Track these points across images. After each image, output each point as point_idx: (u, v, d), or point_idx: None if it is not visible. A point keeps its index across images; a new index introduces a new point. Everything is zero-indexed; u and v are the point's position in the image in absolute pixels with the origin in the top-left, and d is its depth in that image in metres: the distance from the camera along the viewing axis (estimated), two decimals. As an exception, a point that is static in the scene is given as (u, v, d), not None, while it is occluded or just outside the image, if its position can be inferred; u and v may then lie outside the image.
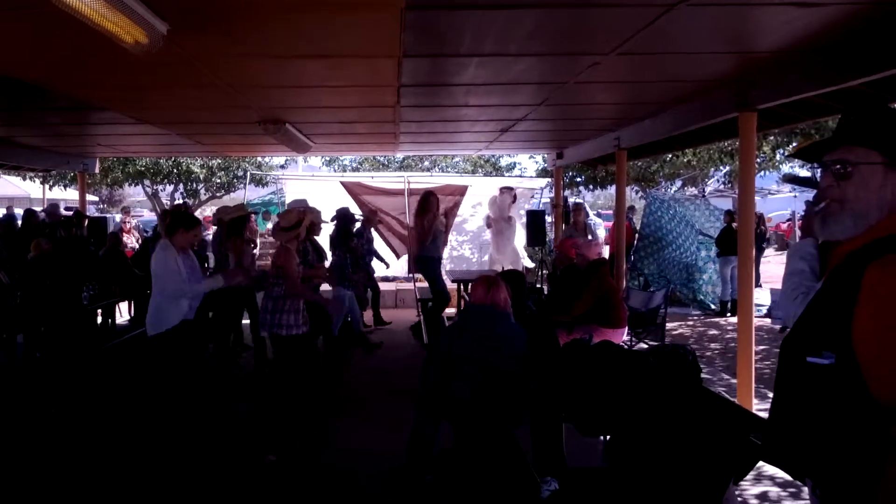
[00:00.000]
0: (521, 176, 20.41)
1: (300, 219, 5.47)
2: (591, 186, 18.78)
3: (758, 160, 11.31)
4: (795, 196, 23.13)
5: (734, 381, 6.08)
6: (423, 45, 4.33)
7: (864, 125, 1.78)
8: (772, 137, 12.29)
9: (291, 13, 3.57)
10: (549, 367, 4.15)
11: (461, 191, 12.94)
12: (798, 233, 13.89)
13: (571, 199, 14.06)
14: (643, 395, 3.30)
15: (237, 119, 6.97)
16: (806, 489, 2.12)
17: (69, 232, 9.85)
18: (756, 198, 6.05)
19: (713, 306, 11.54)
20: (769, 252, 20.60)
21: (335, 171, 21.63)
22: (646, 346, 6.96)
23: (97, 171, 12.11)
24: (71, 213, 11.67)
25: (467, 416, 4.02)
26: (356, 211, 9.80)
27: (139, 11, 3.14)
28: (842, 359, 1.61)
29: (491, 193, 11.76)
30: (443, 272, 9.14)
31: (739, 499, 4.20)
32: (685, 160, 15.04)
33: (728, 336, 9.46)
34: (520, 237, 12.04)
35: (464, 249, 13.38)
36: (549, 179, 13.40)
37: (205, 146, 10.31)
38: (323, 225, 6.82)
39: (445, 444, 4.28)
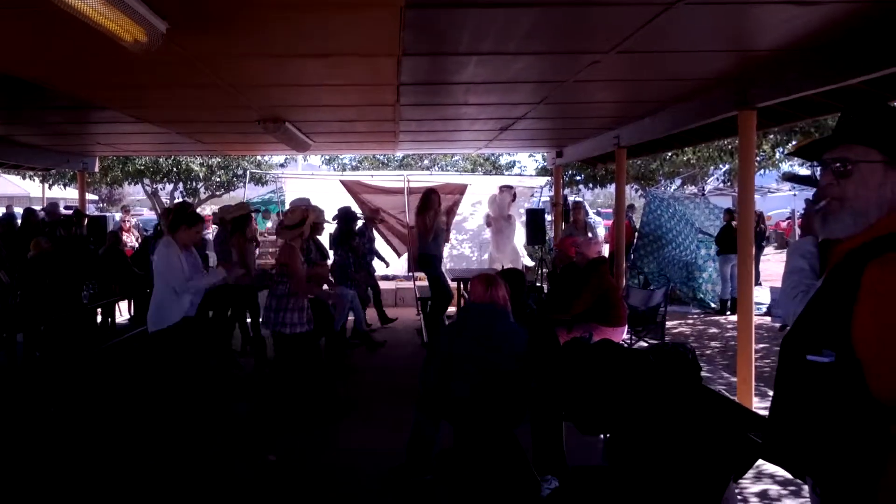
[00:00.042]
0: (520, 174, 20.43)
1: (304, 217, 5.47)
2: (590, 185, 18.78)
3: (757, 158, 11.33)
4: (795, 194, 23.16)
5: (734, 379, 6.09)
6: (422, 44, 4.33)
7: (864, 123, 1.78)
8: (771, 136, 12.30)
9: (291, 12, 3.57)
10: (549, 366, 4.15)
11: (461, 189, 12.95)
12: (798, 231, 13.90)
13: (571, 198, 14.06)
14: (643, 393, 3.31)
15: (237, 118, 6.97)
16: (806, 487, 2.12)
17: (69, 231, 9.85)
18: (756, 196, 6.05)
19: (713, 305, 11.55)
20: (769, 250, 20.61)
21: (335, 169, 21.65)
22: (646, 344, 6.96)
23: (97, 169, 12.11)
24: (70, 211, 11.67)
25: (467, 416, 4.02)
26: (357, 210, 9.79)
27: (139, 10, 3.14)
28: (842, 357, 1.62)
29: (491, 192, 11.75)
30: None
31: (740, 497, 4.21)
32: (685, 159, 15.04)
33: (728, 334, 9.47)
34: (519, 236, 12.04)
35: (464, 248, 13.38)
36: (549, 178, 13.40)
37: (205, 145, 10.31)
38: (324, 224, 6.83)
39: (446, 443, 4.28)
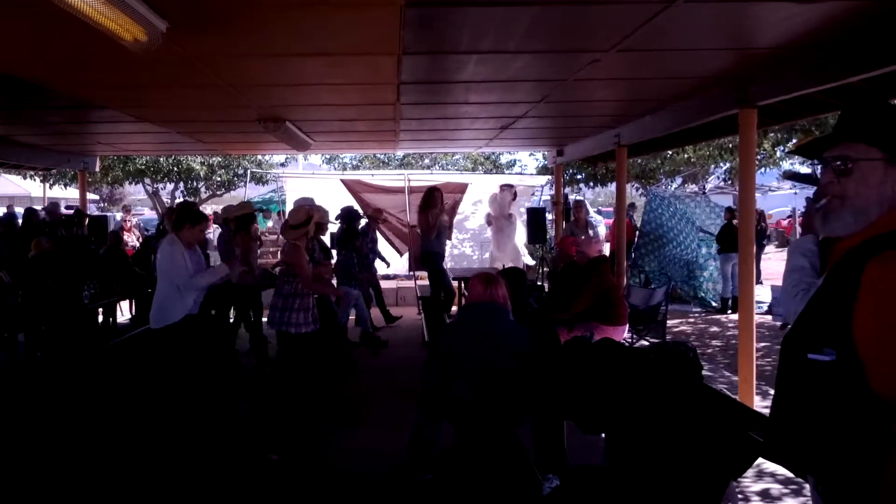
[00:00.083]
0: (521, 173, 20.42)
1: (309, 216, 5.46)
2: (591, 184, 18.77)
3: (758, 157, 11.32)
4: (796, 193, 23.12)
5: (735, 378, 6.08)
6: (422, 43, 4.33)
7: (865, 121, 1.78)
8: (772, 134, 12.29)
9: (291, 11, 3.56)
10: (550, 365, 4.15)
11: (461, 189, 12.95)
12: (799, 229, 13.89)
13: (572, 197, 14.06)
14: (644, 392, 3.30)
15: (237, 117, 6.97)
16: (807, 486, 2.12)
17: (70, 231, 9.85)
18: (756, 194, 6.05)
19: (714, 303, 11.54)
20: (770, 249, 20.60)
21: (335, 168, 21.66)
22: (647, 343, 6.96)
23: (97, 169, 12.11)
24: (71, 211, 11.67)
25: (468, 415, 4.02)
26: (358, 209, 9.79)
27: (139, 9, 3.14)
28: (843, 355, 1.61)
29: (491, 191, 11.76)
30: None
31: (741, 496, 4.21)
32: (685, 157, 15.03)
33: (729, 333, 9.46)
34: (520, 235, 12.04)
35: (464, 247, 13.39)
36: (550, 177, 13.40)
37: (205, 144, 10.31)
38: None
39: (447, 442, 4.28)
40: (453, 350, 4.11)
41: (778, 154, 13.69)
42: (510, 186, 11.63)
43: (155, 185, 21.62)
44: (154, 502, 4.18)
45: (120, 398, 6.09)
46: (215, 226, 10.73)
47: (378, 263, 9.79)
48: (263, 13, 3.58)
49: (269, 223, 15.41)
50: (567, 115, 7.62)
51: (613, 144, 8.43)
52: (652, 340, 7.03)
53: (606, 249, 11.29)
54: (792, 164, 14.92)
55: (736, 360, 5.88)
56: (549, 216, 13.00)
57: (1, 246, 9.04)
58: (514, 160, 22.44)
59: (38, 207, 13.31)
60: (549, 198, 13.76)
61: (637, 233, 12.42)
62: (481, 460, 3.85)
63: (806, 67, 4.60)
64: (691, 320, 10.75)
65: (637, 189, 19.79)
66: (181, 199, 19.94)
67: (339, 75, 5.19)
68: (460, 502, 3.76)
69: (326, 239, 8.42)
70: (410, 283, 12.20)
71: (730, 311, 10.89)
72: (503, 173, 19.60)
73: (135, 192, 30.78)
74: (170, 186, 21.89)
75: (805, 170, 12.69)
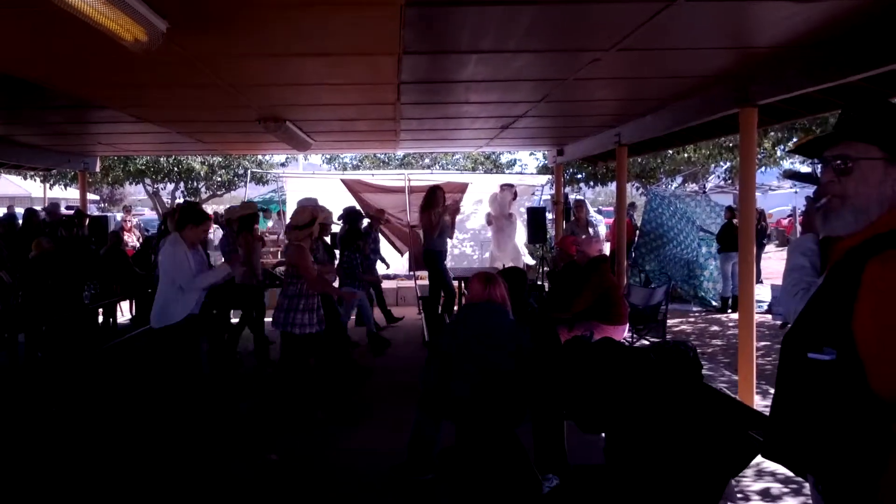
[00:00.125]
0: (521, 173, 20.41)
1: (314, 217, 5.45)
2: (591, 183, 18.77)
3: (758, 156, 11.31)
4: (796, 192, 23.12)
5: (736, 377, 6.08)
6: (422, 42, 4.33)
7: (865, 120, 1.77)
8: (772, 133, 12.28)
9: (291, 11, 3.56)
10: (550, 365, 4.15)
11: (461, 188, 12.95)
12: (799, 228, 13.88)
13: (572, 196, 14.06)
14: (644, 392, 3.30)
15: (237, 117, 6.97)
16: (807, 485, 2.12)
17: (70, 231, 9.86)
18: (757, 194, 6.04)
19: (714, 303, 11.54)
20: (770, 248, 20.60)
21: (336, 168, 21.66)
22: (647, 342, 6.96)
23: (98, 169, 12.12)
24: (72, 212, 11.68)
25: (468, 415, 4.02)
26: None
27: (139, 9, 3.14)
28: (843, 355, 1.61)
29: (492, 191, 11.76)
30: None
31: (741, 495, 4.21)
32: (685, 156, 15.03)
33: (729, 332, 9.46)
34: (520, 234, 12.04)
35: (465, 247, 13.39)
36: (550, 176, 13.40)
37: (205, 144, 10.31)
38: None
39: (448, 442, 4.29)
40: (453, 350, 4.11)
41: (778, 153, 13.68)
42: (510, 186, 11.63)
43: (155, 186, 21.63)
44: (154, 502, 4.18)
45: (120, 398, 6.09)
46: (215, 226, 10.74)
47: (378, 264, 9.79)
48: (263, 13, 3.58)
49: (270, 223, 15.43)
50: (567, 114, 7.62)
51: (614, 144, 8.42)
52: (652, 340, 7.03)
53: (607, 249, 11.30)
54: (792, 163, 14.91)
55: (736, 359, 5.88)
56: (550, 216, 13.00)
57: (1, 246, 9.05)
58: (515, 160, 22.46)
59: (39, 208, 13.32)
60: (549, 197, 13.76)
61: (637, 232, 12.42)
62: (481, 460, 3.85)
63: (806, 66, 4.60)
64: (691, 320, 10.75)
65: (637, 188, 19.79)
66: (181, 200, 19.94)
67: (339, 75, 5.19)
68: (460, 502, 3.76)
69: (328, 239, 8.41)
70: (411, 283, 12.20)
71: (730, 311, 10.89)
72: (503, 173, 19.60)
73: (135, 192, 30.80)
74: (170, 187, 21.91)
75: (805, 169, 12.71)
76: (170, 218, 5.29)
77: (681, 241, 11.86)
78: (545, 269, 11.55)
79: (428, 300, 8.82)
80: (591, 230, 10.91)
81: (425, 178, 13.10)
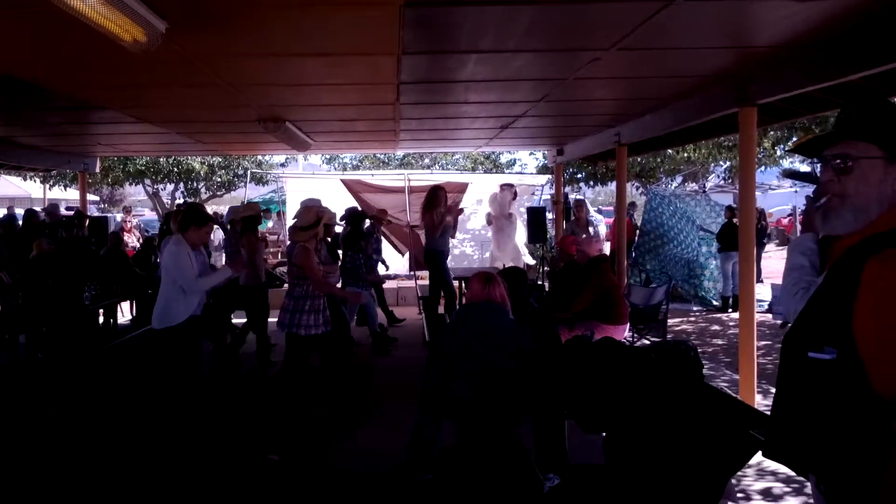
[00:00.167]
0: (521, 173, 20.42)
1: (319, 217, 5.44)
2: (591, 183, 18.78)
3: (758, 155, 11.32)
4: (796, 191, 23.12)
5: (736, 376, 6.08)
6: (422, 42, 4.33)
7: (864, 120, 1.77)
8: (772, 133, 12.29)
9: (290, 11, 3.57)
10: (551, 364, 4.15)
11: (461, 188, 12.95)
12: (799, 228, 13.90)
13: (572, 196, 14.07)
14: (645, 391, 3.30)
15: (237, 117, 6.97)
16: (809, 484, 2.12)
17: (70, 232, 9.87)
18: (757, 193, 6.04)
19: (715, 302, 11.54)
20: (770, 247, 20.59)
21: (335, 168, 21.66)
22: (647, 342, 6.96)
23: (98, 170, 12.12)
24: (72, 212, 11.68)
25: (468, 415, 4.02)
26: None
27: (138, 10, 3.14)
28: (843, 354, 1.61)
29: (491, 190, 11.76)
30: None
31: (742, 494, 4.21)
32: (685, 156, 15.03)
33: (730, 332, 9.46)
34: (520, 234, 12.04)
35: (465, 247, 13.39)
36: (550, 176, 13.40)
37: (205, 145, 10.31)
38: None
39: (449, 442, 4.29)
40: (453, 350, 4.11)
41: (778, 152, 13.68)
42: (510, 186, 11.63)
43: (155, 186, 21.63)
44: (154, 502, 4.18)
45: (121, 399, 6.09)
46: (215, 226, 10.73)
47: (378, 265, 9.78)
48: (263, 13, 3.58)
49: (270, 223, 15.43)
50: (567, 114, 7.62)
51: (613, 143, 8.43)
52: (653, 339, 7.04)
53: (607, 248, 11.30)
54: (792, 162, 14.91)
55: (737, 358, 5.88)
56: (550, 215, 13.00)
57: (1, 247, 9.05)
58: (515, 159, 22.46)
59: (39, 209, 13.32)
60: (549, 197, 13.76)
61: (637, 232, 12.42)
62: (482, 460, 3.85)
63: (806, 66, 4.60)
64: (692, 319, 10.75)
65: (637, 188, 19.80)
66: (181, 200, 19.96)
67: (338, 75, 5.19)
68: (460, 502, 3.76)
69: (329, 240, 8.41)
70: (411, 283, 12.20)
71: (730, 310, 10.88)
72: (503, 173, 19.60)
73: (135, 192, 30.81)
74: (170, 187, 21.91)
75: (805, 168, 12.71)
76: (173, 218, 5.28)
77: (681, 240, 11.86)
78: (545, 268, 11.55)
79: (428, 300, 8.82)
80: (591, 230, 10.91)
81: (425, 178, 13.10)
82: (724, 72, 5.21)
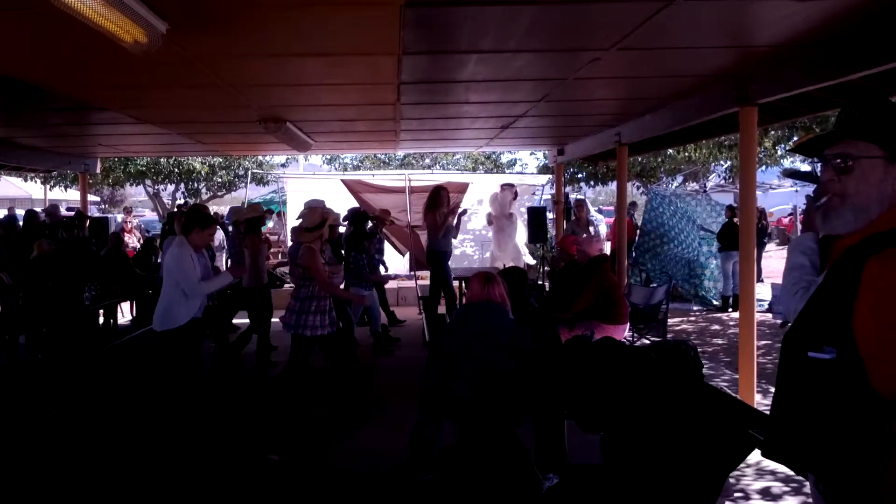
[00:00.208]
0: (522, 172, 20.41)
1: (324, 218, 5.44)
2: (592, 182, 18.77)
3: (759, 155, 11.31)
4: (797, 191, 23.12)
5: (736, 376, 6.08)
6: (422, 42, 4.33)
7: (865, 119, 1.77)
8: (773, 132, 12.28)
9: (291, 11, 3.57)
10: (551, 364, 4.15)
11: (462, 188, 12.94)
12: (800, 227, 13.91)
13: (573, 196, 14.06)
14: (645, 391, 3.30)
15: (237, 118, 6.98)
16: (808, 484, 2.12)
17: (71, 233, 9.87)
18: (757, 192, 6.04)
19: (715, 302, 11.54)
20: (771, 247, 20.58)
21: (336, 169, 21.66)
22: (647, 342, 6.96)
23: (98, 171, 12.12)
24: (72, 213, 11.69)
25: (468, 415, 4.02)
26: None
27: (139, 11, 3.14)
28: (843, 354, 1.61)
29: (492, 190, 11.75)
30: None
31: (741, 494, 4.21)
32: (686, 155, 15.03)
33: (730, 331, 9.46)
34: (521, 234, 12.03)
35: (465, 247, 13.38)
36: (550, 176, 13.39)
37: (205, 145, 10.32)
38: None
39: (449, 442, 4.29)
40: (453, 350, 4.11)
41: (779, 152, 13.68)
42: (511, 186, 11.62)
43: (156, 187, 21.64)
44: (154, 502, 4.19)
45: (121, 400, 6.10)
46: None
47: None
48: (263, 13, 3.59)
49: (270, 224, 15.43)
50: (567, 114, 7.62)
51: (614, 143, 8.42)
52: (653, 339, 7.04)
53: (607, 248, 11.30)
54: (793, 161, 14.91)
55: (737, 358, 5.88)
56: (550, 215, 13.00)
57: (2, 248, 9.05)
58: (515, 159, 22.46)
59: (39, 209, 13.33)
60: (549, 197, 13.75)
61: (638, 231, 12.42)
62: (482, 460, 3.85)
63: (806, 65, 4.60)
64: (692, 319, 10.75)
65: (638, 187, 19.81)
66: (182, 201, 19.96)
67: (339, 75, 5.19)
68: (461, 502, 3.76)
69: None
70: (411, 283, 12.20)
71: (731, 310, 10.88)
72: (504, 172, 19.60)
73: (136, 193, 30.83)
74: (171, 188, 21.92)
75: (805, 168, 12.70)
76: (176, 219, 5.28)
77: (681, 240, 11.87)
78: (546, 268, 11.54)
79: (428, 300, 8.82)
80: (591, 229, 10.91)
81: (426, 178, 13.09)
82: (725, 71, 5.21)
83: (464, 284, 8.85)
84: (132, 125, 7.34)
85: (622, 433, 3.10)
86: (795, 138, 11.66)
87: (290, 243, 9.92)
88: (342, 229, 8.64)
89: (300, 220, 5.56)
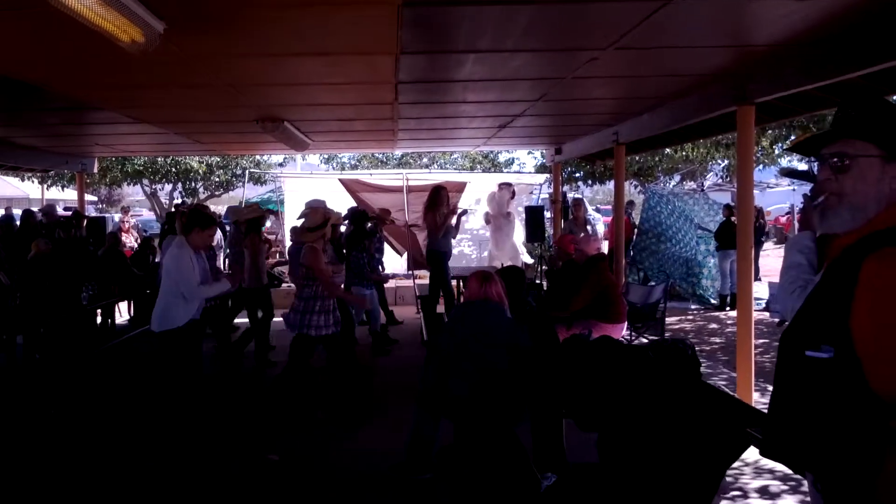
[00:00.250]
0: (519, 172, 20.41)
1: (326, 218, 5.43)
2: (589, 182, 18.77)
3: (756, 154, 11.32)
4: (794, 189, 23.14)
5: (734, 374, 6.09)
6: (420, 42, 4.33)
7: (862, 118, 1.78)
8: (770, 131, 12.29)
9: (288, 11, 3.56)
10: (549, 363, 4.15)
11: (459, 188, 12.94)
12: (797, 226, 13.91)
13: (570, 195, 14.06)
14: (643, 390, 3.31)
15: (235, 117, 6.97)
16: (806, 482, 2.13)
17: (68, 232, 9.86)
18: (755, 191, 6.05)
19: (712, 300, 11.55)
20: (768, 246, 20.59)
21: (334, 168, 21.65)
22: (645, 340, 6.96)
23: (95, 170, 12.10)
24: (70, 213, 11.67)
25: (466, 414, 4.03)
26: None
27: (136, 10, 3.14)
28: (840, 352, 1.61)
29: (490, 190, 11.75)
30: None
31: (739, 492, 4.21)
32: (683, 154, 15.03)
33: (728, 330, 9.47)
34: (519, 233, 12.04)
35: (463, 246, 13.38)
36: (548, 175, 13.39)
37: (203, 145, 10.30)
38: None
39: (447, 441, 4.29)
40: (451, 348, 4.11)
41: (776, 151, 13.68)
42: (508, 185, 11.62)
43: (153, 186, 21.61)
44: (154, 503, 4.18)
45: (119, 399, 6.09)
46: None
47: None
48: (261, 13, 3.58)
49: (268, 223, 15.40)
50: (565, 113, 7.62)
51: (612, 142, 8.43)
52: (650, 338, 7.04)
53: (605, 247, 11.30)
54: (790, 160, 14.92)
55: (735, 356, 5.89)
56: (548, 214, 13.00)
57: (-1, 248, 9.05)
58: (513, 158, 22.48)
59: (36, 209, 13.31)
60: (547, 196, 13.75)
61: (635, 230, 12.43)
62: (480, 459, 3.85)
63: (804, 64, 4.60)
64: (690, 317, 10.76)
65: (635, 187, 19.80)
66: (179, 200, 19.94)
67: (336, 75, 5.19)
68: (459, 501, 3.76)
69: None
70: (409, 283, 12.20)
71: (728, 308, 10.89)
72: (502, 172, 19.60)
73: (133, 193, 30.76)
74: (168, 187, 21.89)
75: (803, 166, 12.71)
76: (179, 219, 5.26)
77: (679, 239, 11.87)
78: (543, 267, 11.55)
79: (426, 299, 8.81)
80: (589, 228, 10.90)
81: (423, 177, 13.09)
82: (723, 70, 5.21)
83: (462, 283, 8.86)
84: (129, 125, 7.33)
85: (620, 432, 3.10)
86: (793, 137, 11.67)
87: (288, 243, 9.93)
88: (342, 228, 8.64)
89: (302, 220, 5.56)
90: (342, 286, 5.94)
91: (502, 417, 3.97)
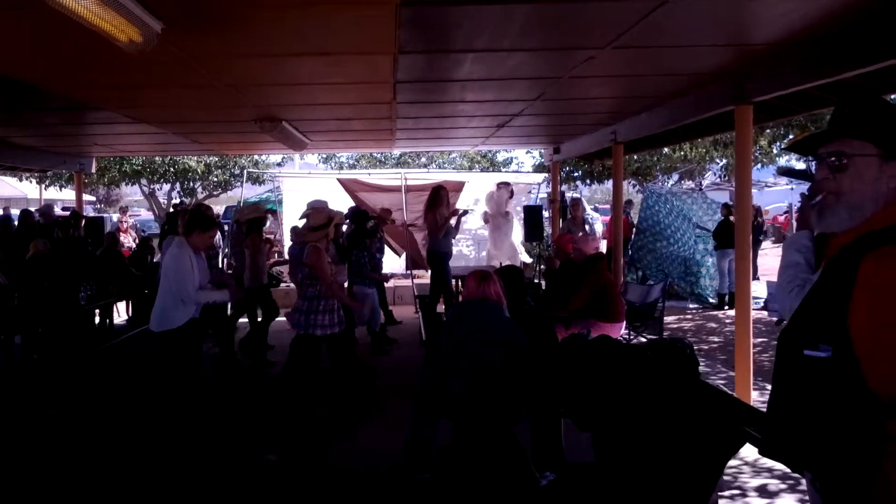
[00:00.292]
0: (518, 171, 20.41)
1: (330, 218, 5.43)
2: (588, 181, 18.78)
3: (755, 153, 11.33)
4: (792, 188, 23.16)
5: (733, 373, 6.09)
6: (418, 42, 4.33)
7: (859, 117, 1.78)
8: (769, 130, 12.30)
9: (287, 11, 3.56)
10: (547, 363, 4.15)
11: (458, 187, 12.93)
12: (795, 225, 13.90)
13: (569, 194, 14.06)
14: (641, 389, 3.31)
15: (233, 117, 6.97)
16: (804, 481, 2.13)
17: (66, 232, 9.85)
18: (753, 190, 6.05)
19: (711, 299, 11.56)
20: (766, 245, 20.60)
21: (332, 168, 21.65)
22: (644, 340, 6.97)
23: (94, 170, 12.09)
24: (68, 213, 11.66)
25: (465, 413, 4.03)
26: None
27: (134, 10, 3.13)
28: (839, 352, 1.62)
29: (488, 189, 11.75)
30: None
31: (737, 491, 4.22)
32: (682, 154, 15.05)
33: (727, 329, 9.47)
34: (517, 232, 12.04)
35: (461, 245, 13.37)
36: (547, 174, 13.39)
37: (201, 145, 10.30)
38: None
39: (446, 441, 4.29)
40: (449, 347, 4.11)
41: (774, 150, 13.70)
42: (507, 184, 11.62)
43: (151, 186, 21.59)
44: (153, 503, 4.18)
45: (118, 399, 6.09)
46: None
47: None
48: (259, 13, 3.58)
49: (267, 223, 15.38)
50: (563, 112, 7.62)
51: (610, 142, 8.43)
52: (649, 337, 7.05)
53: (603, 246, 11.30)
54: (788, 159, 14.93)
55: (733, 355, 5.90)
56: (546, 214, 12.99)
57: (-3, 248, 9.04)
58: (511, 158, 22.48)
59: (34, 209, 13.29)
60: (545, 195, 13.75)
61: (634, 230, 12.43)
62: (479, 459, 3.85)
63: (803, 63, 4.60)
64: (688, 316, 10.76)
65: (634, 186, 19.81)
66: (177, 200, 19.92)
67: (335, 74, 5.19)
68: (458, 501, 3.77)
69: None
70: (408, 283, 12.19)
71: (727, 307, 10.90)
72: (500, 171, 19.60)
73: (131, 193, 30.73)
74: (166, 187, 21.87)
75: (800, 166, 12.72)
76: (181, 219, 5.26)
77: (678, 238, 11.88)
78: (542, 267, 11.55)
79: (425, 299, 8.81)
80: (587, 228, 10.91)
81: (422, 177, 13.08)
82: (721, 70, 5.21)
83: (460, 283, 8.86)
84: (128, 125, 7.32)
85: (619, 431, 3.11)
86: (791, 136, 11.69)
87: (287, 243, 9.93)
88: (343, 228, 8.64)
89: (305, 220, 5.56)
90: (345, 285, 5.94)
91: (501, 417, 3.97)
